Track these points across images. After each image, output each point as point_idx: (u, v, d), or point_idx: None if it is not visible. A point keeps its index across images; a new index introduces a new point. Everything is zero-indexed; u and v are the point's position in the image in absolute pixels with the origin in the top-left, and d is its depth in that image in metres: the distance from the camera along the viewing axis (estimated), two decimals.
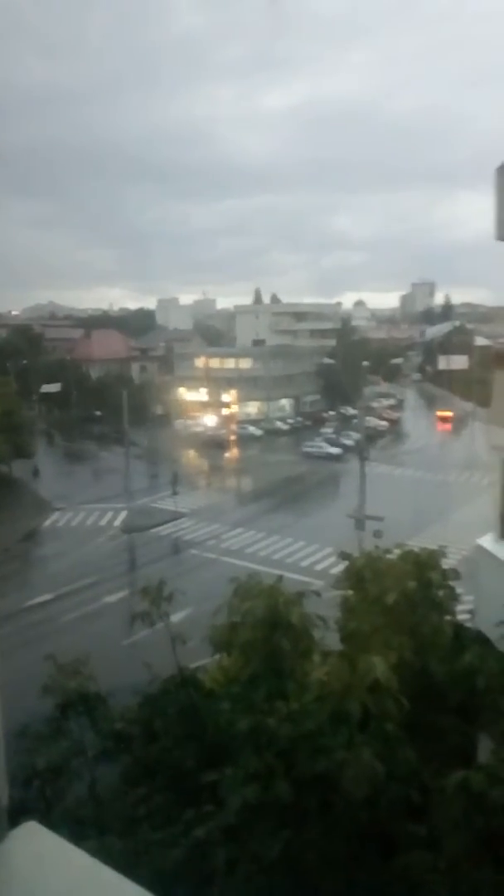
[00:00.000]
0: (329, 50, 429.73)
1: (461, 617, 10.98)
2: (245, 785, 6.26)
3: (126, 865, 6.70)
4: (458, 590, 10.13)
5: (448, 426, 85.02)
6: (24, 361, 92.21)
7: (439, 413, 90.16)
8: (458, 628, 10.06)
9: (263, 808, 6.19)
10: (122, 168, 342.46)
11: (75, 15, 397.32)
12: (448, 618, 9.59)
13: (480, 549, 12.44)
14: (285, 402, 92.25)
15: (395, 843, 6.32)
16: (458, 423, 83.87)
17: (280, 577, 9.04)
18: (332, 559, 25.82)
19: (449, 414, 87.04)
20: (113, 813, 8.75)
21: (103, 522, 47.13)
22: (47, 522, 48.02)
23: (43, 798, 9.09)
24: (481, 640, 9.69)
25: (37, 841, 1.98)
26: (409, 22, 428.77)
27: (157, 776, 8.70)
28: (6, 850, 1.86)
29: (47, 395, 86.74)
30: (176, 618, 10.06)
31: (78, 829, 7.91)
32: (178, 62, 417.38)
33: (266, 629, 7.73)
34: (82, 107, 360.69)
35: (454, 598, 9.77)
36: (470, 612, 11.98)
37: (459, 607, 10.47)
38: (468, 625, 10.98)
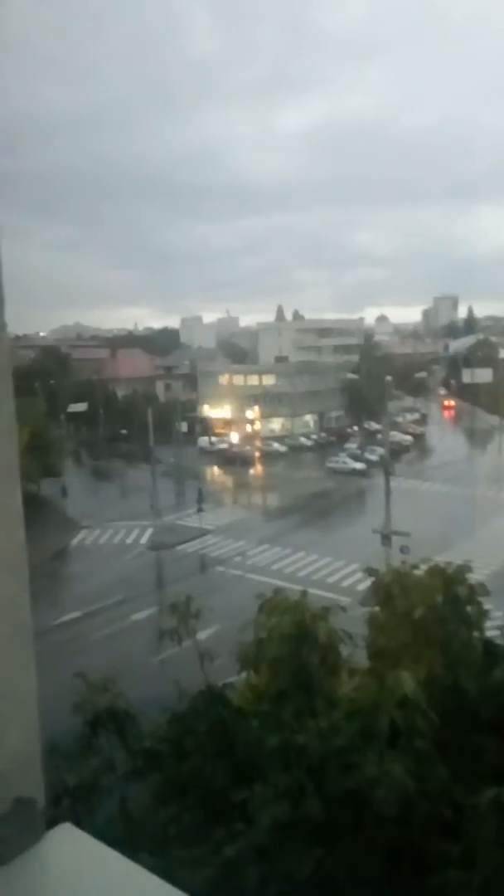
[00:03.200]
0: (344, 68, 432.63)
1: (491, 633, 10.86)
2: (275, 802, 6.24)
3: None
4: (488, 606, 10.03)
5: (451, 413, 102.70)
6: (52, 382, 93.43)
7: (444, 402, 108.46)
8: (488, 644, 9.94)
9: (294, 826, 6.16)
10: (142, 190, 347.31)
11: (91, 42, 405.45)
12: (477, 634, 9.50)
13: None
14: (309, 418, 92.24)
15: (428, 861, 6.24)
16: (485, 435, 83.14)
17: (305, 592, 9.03)
18: (359, 575, 25.68)
19: (451, 403, 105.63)
20: (143, 831, 8.75)
21: (130, 540, 47.37)
22: (75, 540, 48.39)
23: (73, 815, 9.11)
24: None
25: (73, 842, 2.02)
26: (424, 38, 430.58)
27: (187, 794, 8.69)
28: (43, 850, 1.90)
29: (75, 414, 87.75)
30: (203, 635, 10.10)
31: (108, 846, 7.91)
32: (195, 84, 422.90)
33: (293, 645, 7.72)
34: (101, 131, 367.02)
35: (483, 614, 9.68)
36: (500, 628, 11.84)
37: (489, 623, 10.36)
38: (499, 640, 10.84)
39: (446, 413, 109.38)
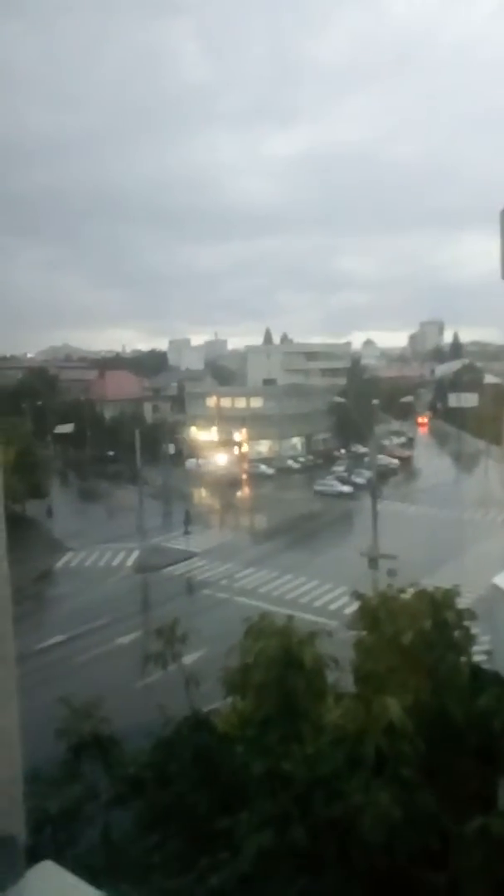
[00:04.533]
0: (331, 96, 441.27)
1: (478, 658, 10.84)
2: (260, 831, 6.17)
3: None
4: (475, 630, 10.02)
5: (425, 429, 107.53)
6: (39, 402, 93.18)
7: (419, 419, 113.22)
8: (476, 669, 9.92)
9: (279, 855, 6.08)
10: (130, 213, 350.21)
11: (82, 66, 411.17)
12: (464, 658, 9.48)
13: (496, 588, 12.32)
14: (297, 441, 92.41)
15: (413, 890, 6.18)
16: (471, 459, 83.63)
17: (291, 617, 8.99)
18: (346, 598, 25.63)
19: (425, 420, 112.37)
20: (126, 860, 8.60)
21: (116, 562, 47.02)
22: (60, 562, 47.97)
23: (55, 843, 8.95)
24: (499, 681, 9.54)
25: (53, 880, 2.00)
26: (410, 69, 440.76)
27: (171, 822, 8.56)
28: (23, 888, 1.88)
29: (62, 435, 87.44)
30: (189, 659, 10.02)
31: (91, 875, 7.77)
32: (184, 110, 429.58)
33: (279, 670, 7.68)
34: (90, 154, 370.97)
35: (470, 638, 9.67)
36: (487, 652, 11.82)
37: (476, 648, 10.35)
38: (486, 665, 10.82)
39: (421, 429, 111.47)
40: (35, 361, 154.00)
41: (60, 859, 8.60)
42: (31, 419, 75.04)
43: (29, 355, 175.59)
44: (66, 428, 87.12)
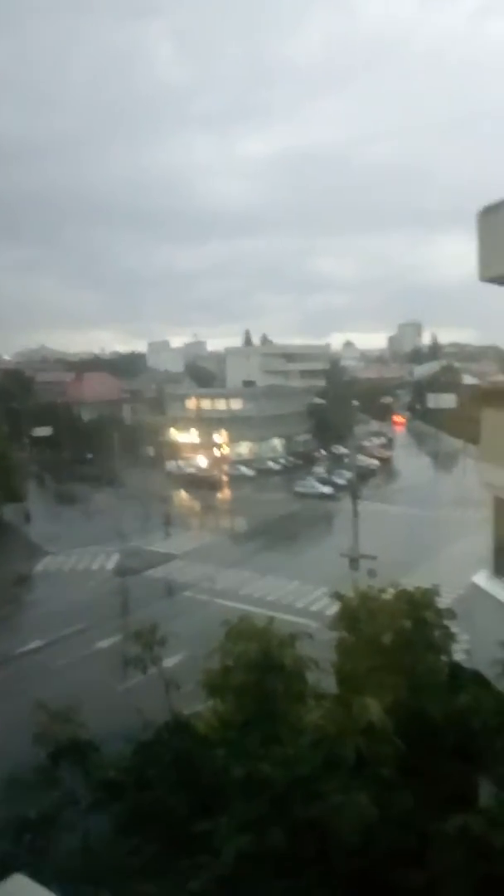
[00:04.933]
0: (307, 98, 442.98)
1: (458, 656, 10.90)
2: (239, 834, 6.14)
3: None
4: (455, 628, 10.08)
5: (401, 427, 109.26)
6: (15, 405, 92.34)
7: (394, 418, 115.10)
8: (455, 668, 9.98)
9: (259, 858, 6.05)
10: (107, 214, 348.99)
11: (56, 67, 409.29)
12: (444, 657, 9.53)
13: (475, 586, 12.41)
14: (277, 442, 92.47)
15: (392, 890, 6.17)
16: (450, 459, 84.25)
17: (272, 619, 8.98)
18: (327, 599, 25.68)
19: (402, 420, 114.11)
20: (106, 864, 8.52)
21: (95, 566, 46.70)
22: (39, 567, 47.52)
23: (33, 850, 8.84)
24: (478, 679, 9.60)
25: (24, 894, 1.95)
26: (386, 70, 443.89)
27: (151, 826, 8.50)
28: None
29: (39, 438, 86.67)
30: (170, 662, 9.97)
31: (70, 881, 7.69)
32: (160, 111, 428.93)
33: (259, 672, 7.67)
34: (66, 155, 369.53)
35: (450, 637, 9.73)
36: (467, 651, 11.88)
37: (456, 646, 10.40)
38: (466, 664, 10.88)
39: (396, 427, 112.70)
40: (10, 363, 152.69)
41: (39, 865, 8.51)
42: (6, 422, 74.32)
43: (5, 357, 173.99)
44: (44, 431, 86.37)
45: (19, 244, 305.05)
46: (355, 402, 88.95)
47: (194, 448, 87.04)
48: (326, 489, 68.69)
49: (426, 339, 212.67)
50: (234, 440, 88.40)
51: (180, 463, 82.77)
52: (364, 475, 68.23)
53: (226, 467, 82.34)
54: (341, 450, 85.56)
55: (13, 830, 8.57)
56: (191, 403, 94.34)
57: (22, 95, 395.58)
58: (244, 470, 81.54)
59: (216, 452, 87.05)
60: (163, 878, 6.99)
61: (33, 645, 32.90)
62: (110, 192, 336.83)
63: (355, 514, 38.41)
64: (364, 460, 75.85)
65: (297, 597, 37.92)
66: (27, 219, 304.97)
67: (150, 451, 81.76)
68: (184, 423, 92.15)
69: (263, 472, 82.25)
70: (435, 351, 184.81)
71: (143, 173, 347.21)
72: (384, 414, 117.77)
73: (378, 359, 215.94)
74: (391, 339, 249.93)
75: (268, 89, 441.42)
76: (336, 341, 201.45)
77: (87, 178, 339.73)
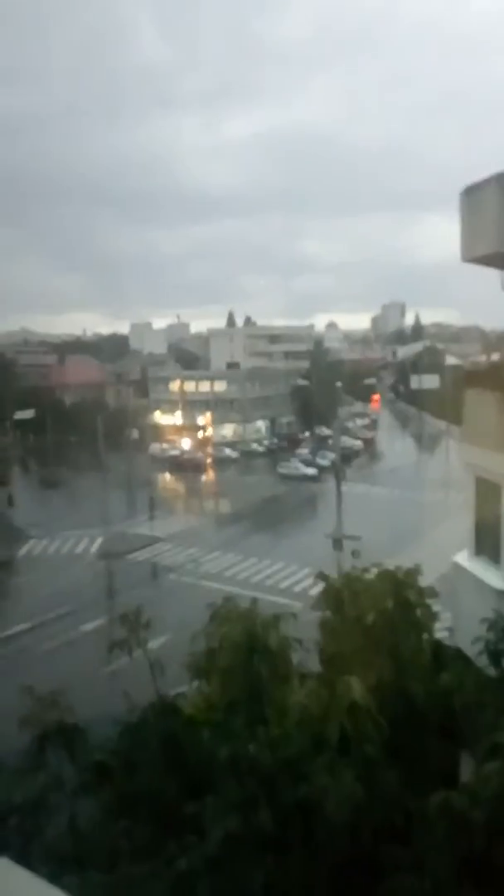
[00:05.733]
0: (291, 78, 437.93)
1: (440, 635, 11.02)
2: (227, 814, 6.19)
3: None
4: (437, 607, 10.18)
5: (377, 405, 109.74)
6: None
7: (373, 396, 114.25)
8: (438, 647, 10.09)
9: (246, 838, 6.11)
10: (88, 195, 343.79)
11: (36, 43, 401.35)
12: (426, 636, 9.62)
13: (457, 566, 12.51)
14: (261, 424, 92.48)
15: (379, 867, 6.26)
16: (433, 440, 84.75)
17: (255, 601, 9.01)
18: (312, 580, 25.83)
19: (377, 397, 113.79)
20: (93, 847, 8.58)
21: (80, 549, 46.65)
22: (23, 551, 47.38)
23: (21, 833, 8.88)
24: (460, 657, 9.71)
25: (9, 879, 1.93)
26: (371, 50, 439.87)
27: (138, 808, 8.55)
28: None
29: (21, 421, 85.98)
30: (155, 644, 9.98)
31: (58, 864, 7.74)
32: (142, 90, 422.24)
33: (244, 654, 7.69)
34: (46, 134, 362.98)
35: (432, 616, 9.82)
36: (449, 629, 12.02)
37: (438, 625, 10.51)
38: (448, 642, 11.00)
39: (373, 405, 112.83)
40: None
41: (27, 849, 8.54)
42: None
43: None
44: (26, 414, 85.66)
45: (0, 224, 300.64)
46: (339, 384, 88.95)
47: (178, 430, 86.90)
48: (310, 471, 68.89)
49: (409, 320, 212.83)
50: (218, 422, 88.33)
51: (164, 446, 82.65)
52: (348, 456, 68.49)
53: (210, 450, 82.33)
54: (325, 431, 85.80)
55: (1, 814, 8.60)
56: (174, 386, 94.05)
57: (2, 72, 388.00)
58: (228, 452, 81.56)
59: (200, 435, 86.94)
60: (151, 859, 7.04)
61: (18, 629, 32.88)
62: (92, 172, 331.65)
63: (339, 495, 38.59)
64: (348, 442, 76.11)
65: (281, 578, 38.15)
66: (8, 198, 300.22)
67: (134, 433, 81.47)
68: (168, 405, 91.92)
69: (247, 454, 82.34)
70: (418, 332, 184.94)
71: (125, 153, 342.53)
72: (368, 395, 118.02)
73: (362, 340, 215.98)
74: (374, 320, 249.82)
75: (254, 68, 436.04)
76: (320, 323, 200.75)
77: (69, 158, 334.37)
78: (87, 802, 9.39)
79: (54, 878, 2.25)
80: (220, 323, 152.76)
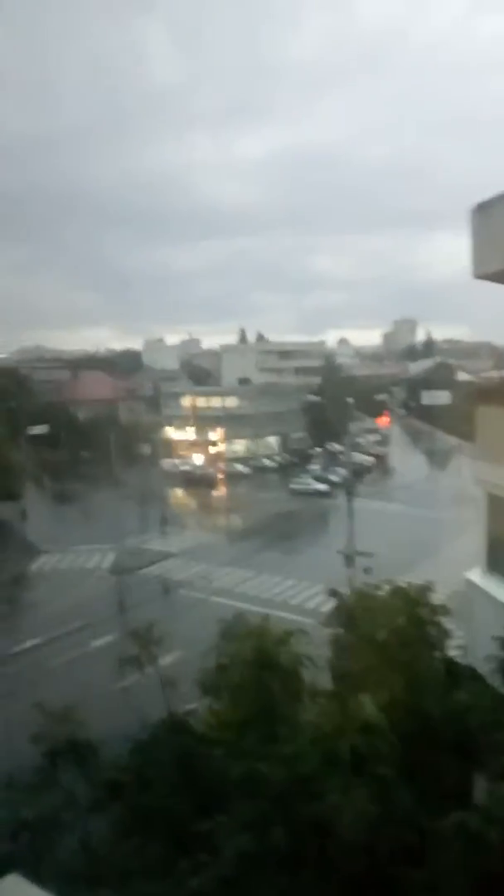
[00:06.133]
0: (304, 97, 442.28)
1: (454, 652, 10.93)
2: (240, 833, 6.15)
3: None
4: (450, 625, 10.12)
5: (386, 421, 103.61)
6: (11, 404, 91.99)
7: (382, 414, 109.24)
8: (451, 664, 10.03)
9: (259, 857, 6.07)
10: (102, 213, 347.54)
11: (52, 65, 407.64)
12: (439, 654, 9.56)
13: (469, 583, 12.44)
14: (272, 440, 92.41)
15: (393, 888, 6.20)
16: (445, 456, 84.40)
17: (267, 617, 9.01)
18: (323, 597, 25.70)
19: (386, 415, 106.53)
20: (105, 865, 8.54)
21: (91, 564, 46.62)
22: (35, 566, 47.42)
23: (32, 851, 8.86)
24: (474, 675, 9.65)
25: (20, 895, 1.94)
26: (382, 69, 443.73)
27: (151, 825, 8.52)
28: None
29: (35, 436, 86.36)
30: (166, 660, 9.97)
31: (69, 882, 7.70)
32: (155, 110, 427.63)
33: (255, 671, 7.68)
34: (61, 154, 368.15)
35: (445, 634, 9.76)
36: (462, 647, 11.92)
37: (452, 642, 10.44)
38: (461, 660, 10.92)
39: (380, 424, 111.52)
40: (6, 362, 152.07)
41: (37, 866, 8.52)
42: (2, 421, 74.00)
43: (1, 356, 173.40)
44: (40, 429, 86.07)
45: (15, 242, 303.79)
46: (350, 400, 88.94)
47: (190, 446, 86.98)
48: (322, 486, 68.68)
49: (421, 336, 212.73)
50: (229, 438, 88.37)
51: (176, 461, 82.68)
52: (359, 472, 68.26)
53: (221, 465, 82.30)
54: (336, 447, 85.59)
55: (10, 831, 8.58)
56: (186, 401, 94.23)
57: (19, 92, 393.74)
58: (240, 468, 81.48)
59: (212, 450, 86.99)
60: (163, 877, 7.01)
61: (29, 644, 32.85)
62: (107, 190, 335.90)
63: (351, 511, 38.44)
64: (359, 457, 75.89)
65: (293, 594, 37.94)
66: (24, 217, 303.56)
67: (146, 449, 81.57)
68: (180, 421, 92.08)
69: (259, 470, 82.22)
70: (430, 348, 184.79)
71: (140, 172, 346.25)
72: (379, 411, 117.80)
73: (373, 356, 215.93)
74: (386, 336, 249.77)
75: (265, 87, 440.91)
76: (332, 339, 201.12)
77: (84, 176, 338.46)
78: (98, 819, 9.35)
79: (61, 895, 2.26)
80: (232, 339, 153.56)
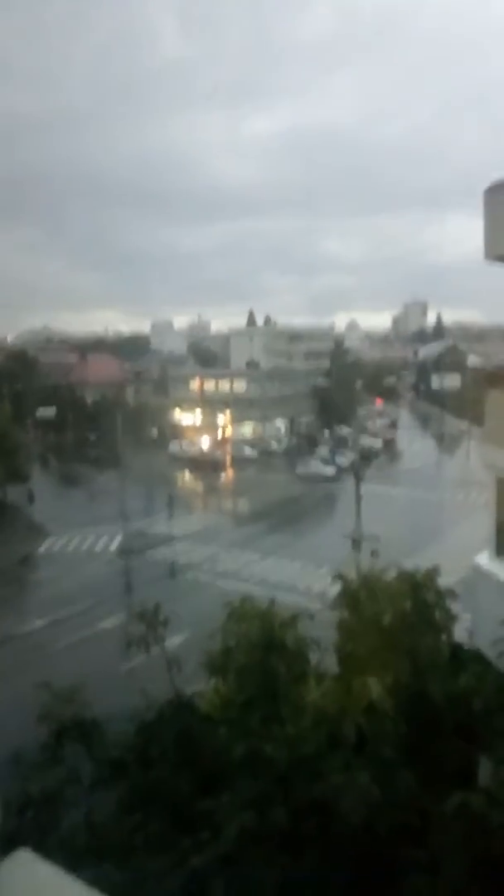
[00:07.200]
0: (314, 75, 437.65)
1: (461, 636, 10.93)
2: (242, 812, 6.18)
3: (123, 895, 6.58)
4: (457, 608, 10.09)
5: (380, 401, 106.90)
6: (19, 386, 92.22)
7: (378, 399, 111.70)
8: (456, 648, 10.01)
9: (261, 835, 6.10)
10: (110, 194, 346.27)
11: (60, 44, 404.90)
12: (445, 638, 9.55)
13: (477, 567, 12.42)
14: (280, 423, 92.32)
15: (395, 868, 6.22)
16: (454, 440, 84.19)
17: (273, 600, 9.00)
18: (329, 580, 25.73)
19: (380, 400, 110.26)
20: (109, 841, 8.61)
21: (98, 546, 46.89)
22: (42, 547, 47.73)
23: (37, 826, 8.95)
24: (480, 659, 9.63)
25: (30, 869, 1.94)
26: (393, 48, 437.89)
27: (154, 803, 8.58)
28: None
29: (43, 419, 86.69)
30: (172, 642, 9.99)
31: (73, 857, 7.78)
32: (165, 89, 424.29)
33: (260, 652, 7.69)
34: (69, 134, 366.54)
35: (451, 617, 9.74)
36: (469, 631, 11.92)
37: (458, 626, 10.42)
38: (468, 644, 10.92)
39: (378, 404, 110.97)
40: (14, 345, 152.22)
41: (43, 841, 8.61)
42: (10, 403, 74.24)
43: (8, 339, 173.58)
44: (47, 412, 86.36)
45: (22, 224, 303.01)
46: (359, 383, 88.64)
47: (197, 429, 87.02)
48: (329, 470, 68.65)
49: (431, 319, 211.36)
50: (237, 421, 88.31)
51: (183, 444, 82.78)
52: (367, 456, 68.20)
53: (229, 448, 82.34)
54: (345, 431, 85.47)
55: (17, 807, 8.67)
56: (194, 384, 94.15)
57: (25, 72, 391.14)
58: (247, 451, 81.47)
59: (219, 434, 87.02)
60: (165, 854, 7.06)
61: (36, 624, 33.14)
62: (114, 171, 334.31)
63: (358, 495, 38.44)
64: (367, 441, 75.79)
65: (299, 578, 38.07)
66: (31, 198, 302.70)
67: (154, 432, 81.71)
68: (187, 404, 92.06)
69: (266, 454, 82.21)
70: (440, 331, 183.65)
71: (147, 151, 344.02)
72: (389, 395, 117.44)
73: (383, 339, 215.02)
74: (396, 319, 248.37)
75: (275, 66, 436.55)
76: (341, 322, 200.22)
77: (91, 157, 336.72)
78: (103, 797, 9.45)
79: (69, 870, 2.26)
80: (241, 322, 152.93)
